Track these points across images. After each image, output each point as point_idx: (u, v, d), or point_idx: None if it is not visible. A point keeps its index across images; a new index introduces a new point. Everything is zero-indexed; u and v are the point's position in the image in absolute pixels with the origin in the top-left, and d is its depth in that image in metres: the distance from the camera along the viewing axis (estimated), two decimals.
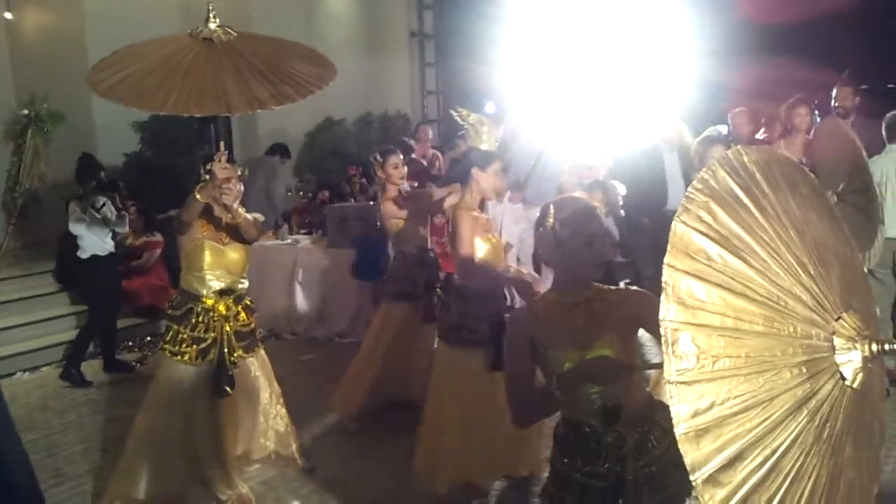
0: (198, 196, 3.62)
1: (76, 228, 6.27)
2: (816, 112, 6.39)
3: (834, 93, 6.44)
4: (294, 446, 4.37)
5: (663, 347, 1.23)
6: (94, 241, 6.31)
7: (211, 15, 3.58)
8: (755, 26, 9.04)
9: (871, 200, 4.08)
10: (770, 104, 6.97)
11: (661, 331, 1.24)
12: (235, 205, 3.80)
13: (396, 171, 4.94)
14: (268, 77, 3.54)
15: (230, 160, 3.78)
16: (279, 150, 8.94)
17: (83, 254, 6.34)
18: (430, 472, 3.96)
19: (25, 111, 8.16)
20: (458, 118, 4.05)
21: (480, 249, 3.83)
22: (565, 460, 2.22)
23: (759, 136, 6.81)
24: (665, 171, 6.14)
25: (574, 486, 2.18)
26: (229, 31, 3.61)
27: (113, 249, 6.47)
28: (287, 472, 4.41)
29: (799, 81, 7.30)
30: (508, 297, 4.80)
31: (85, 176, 6.54)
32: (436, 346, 4.21)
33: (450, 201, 4.34)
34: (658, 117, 6.20)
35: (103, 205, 6.36)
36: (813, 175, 1.69)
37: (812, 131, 5.97)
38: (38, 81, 8.36)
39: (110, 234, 6.39)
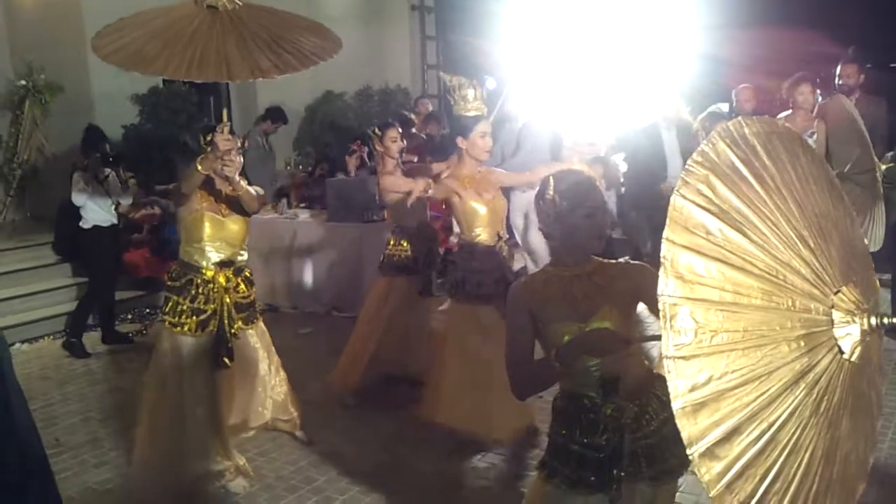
0: (199, 167, 3.62)
1: (79, 199, 6.26)
2: (818, 90, 6.33)
3: (838, 70, 6.39)
4: (296, 416, 4.40)
5: (661, 322, 1.23)
6: (97, 212, 6.32)
7: None
8: None
9: (874, 180, 4.07)
10: (772, 79, 6.92)
11: (660, 305, 1.23)
12: (236, 176, 3.80)
13: (395, 144, 4.91)
14: (271, 46, 3.57)
15: (231, 132, 3.77)
16: (271, 115, 8.72)
17: (85, 224, 6.35)
18: (436, 421, 4.10)
19: (23, 82, 8.10)
20: (446, 82, 4.07)
21: (479, 210, 4.02)
22: (563, 432, 2.22)
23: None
24: (664, 148, 6.12)
25: (572, 457, 2.18)
26: (235, 0, 3.61)
27: (115, 221, 6.47)
28: (284, 443, 4.44)
29: (802, 56, 7.24)
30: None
31: (90, 147, 6.51)
32: (447, 304, 4.33)
33: (437, 167, 4.43)
34: (657, 94, 6.17)
35: (107, 176, 6.34)
36: (822, 153, 1.67)
37: (815, 109, 5.92)
38: (35, 52, 8.30)
39: (113, 206, 6.38)
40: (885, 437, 4.23)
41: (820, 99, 6.07)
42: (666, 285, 1.24)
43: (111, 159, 6.41)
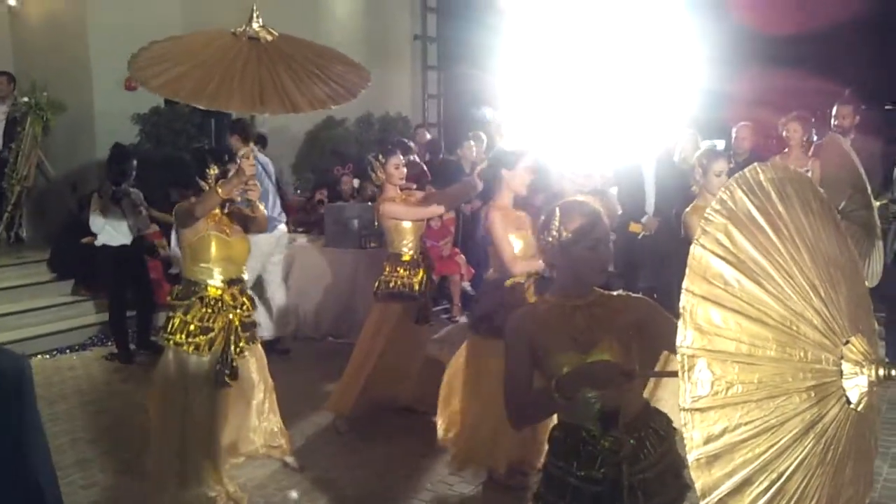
0: (219, 191, 3.68)
1: (95, 223, 6.35)
2: (814, 130, 6.42)
3: (833, 111, 6.48)
4: (285, 444, 4.37)
5: (679, 373, 1.24)
6: (109, 233, 6.37)
7: (255, 15, 3.65)
8: (758, 35, 9.05)
9: (870, 217, 4.11)
10: (771, 115, 7.00)
11: (678, 357, 1.25)
12: (257, 200, 3.95)
13: (397, 171, 4.93)
14: (321, 77, 3.68)
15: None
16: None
17: (97, 243, 6.44)
18: (464, 457, 4.12)
19: (25, 99, 8.12)
20: (486, 116, 4.10)
21: (515, 245, 3.96)
22: (561, 464, 2.22)
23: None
24: (643, 185, 6.18)
25: (568, 490, 2.18)
26: (272, 31, 3.69)
27: (126, 241, 6.49)
28: (275, 470, 4.41)
29: (800, 94, 7.32)
30: None
31: (113, 165, 6.56)
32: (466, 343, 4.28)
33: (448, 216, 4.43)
34: (671, 128, 6.23)
35: (125, 195, 6.39)
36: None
37: (812, 148, 6.00)
38: (39, 70, 8.34)
39: (128, 227, 6.42)
40: (879, 477, 4.23)
41: (816, 139, 6.15)
42: (685, 337, 1.26)
43: (128, 179, 6.46)
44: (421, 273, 4.92)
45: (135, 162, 6.65)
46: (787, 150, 6.16)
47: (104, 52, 8.19)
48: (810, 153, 5.93)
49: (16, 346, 6.58)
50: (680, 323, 1.26)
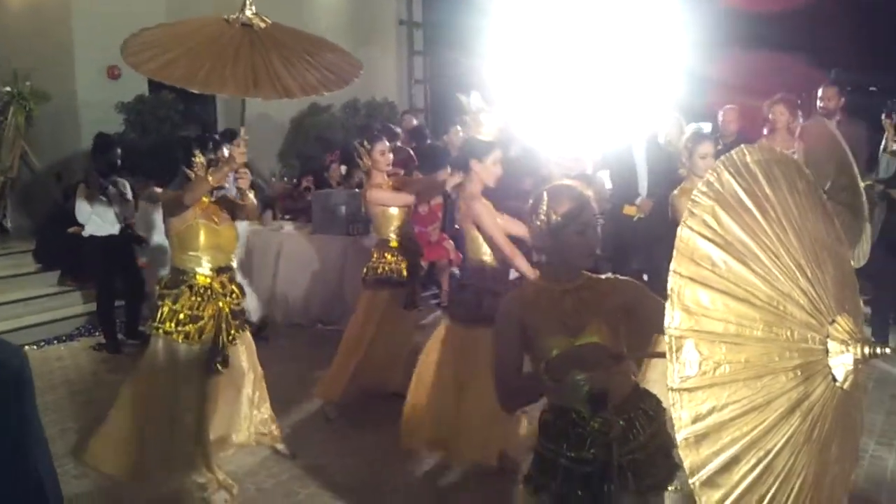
0: (209, 179, 3.69)
1: (82, 212, 6.31)
2: (800, 112, 6.45)
3: (819, 93, 6.51)
4: (276, 431, 4.38)
5: (667, 354, 1.25)
6: (96, 223, 6.34)
7: (248, 2, 3.64)
8: (742, 17, 9.04)
9: (857, 197, 4.14)
10: (757, 98, 7.02)
11: (666, 338, 1.26)
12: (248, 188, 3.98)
13: (383, 157, 4.94)
14: (313, 64, 3.70)
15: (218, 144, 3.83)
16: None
17: (84, 233, 6.41)
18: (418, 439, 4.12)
19: (7, 88, 8.04)
20: (463, 103, 4.04)
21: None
22: (551, 446, 2.24)
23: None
24: (635, 167, 6.21)
25: (559, 471, 2.20)
26: (265, 18, 3.69)
27: (114, 231, 6.45)
28: (266, 457, 4.42)
29: (785, 75, 7.34)
30: None
31: (98, 155, 6.50)
32: (443, 327, 4.21)
33: (451, 182, 4.36)
34: (656, 111, 6.23)
35: (111, 185, 6.34)
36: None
37: (798, 130, 6.02)
38: (21, 59, 8.25)
39: (115, 216, 6.38)
40: (865, 453, 4.29)
41: (801, 121, 6.17)
42: (672, 318, 1.27)
43: (114, 168, 6.41)
44: (408, 258, 4.93)
45: (119, 150, 6.60)
46: (773, 132, 6.18)
47: (87, 40, 8.12)
48: (796, 135, 5.95)
49: (3, 338, 6.56)
50: (668, 304, 1.27)
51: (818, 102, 6.47)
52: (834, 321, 1.43)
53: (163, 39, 3.63)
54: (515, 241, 3.87)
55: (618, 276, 2.36)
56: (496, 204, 3.99)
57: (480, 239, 3.96)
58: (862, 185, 4.20)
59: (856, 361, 1.42)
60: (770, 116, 6.22)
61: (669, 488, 2.23)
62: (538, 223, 2.22)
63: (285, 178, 9.02)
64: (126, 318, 6.76)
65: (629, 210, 6.07)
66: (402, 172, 6.14)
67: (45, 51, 8.33)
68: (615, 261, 6.42)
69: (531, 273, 3.84)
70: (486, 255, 3.97)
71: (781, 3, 8.42)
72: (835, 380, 1.41)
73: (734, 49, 8.68)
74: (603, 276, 2.31)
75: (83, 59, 8.34)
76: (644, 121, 6.28)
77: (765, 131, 6.30)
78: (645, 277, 5.68)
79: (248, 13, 3.62)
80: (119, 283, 6.67)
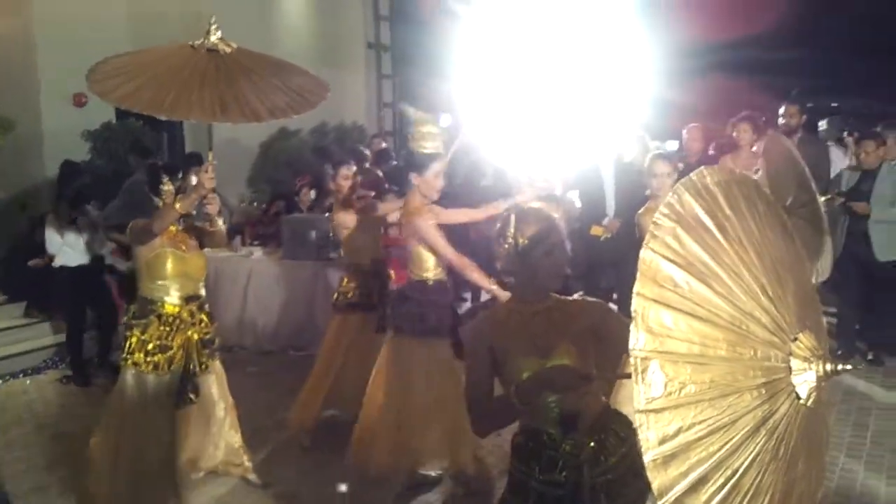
0: (177, 206, 3.66)
1: (52, 243, 6.23)
2: (764, 130, 6.56)
3: (781, 110, 6.64)
4: (247, 462, 4.32)
5: (633, 376, 1.26)
6: (67, 253, 6.26)
7: (212, 27, 3.66)
8: (701, 44, 9.26)
9: (816, 212, 4.22)
10: (720, 119, 7.15)
11: (631, 360, 1.27)
12: (216, 215, 3.95)
13: (346, 182, 4.98)
14: (280, 88, 3.72)
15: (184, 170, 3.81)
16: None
17: (55, 263, 6.32)
18: (368, 457, 4.10)
19: None
20: (408, 115, 4.08)
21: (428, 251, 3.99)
22: (523, 468, 2.24)
23: (711, 151, 6.96)
24: (603, 188, 6.27)
25: (531, 494, 2.19)
26: (230, 43, 3.69)
27: (84, 261, 6.36)
28: (239, 488, 4.35)
29: (748, 98, 7.48)
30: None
31: (64, 184, 6.42)
32: (388, 343, 4.24)
33: (392, 218, 4.40)
34: (623, 133, 6.30)
35: (81, 213, 6.27)
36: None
37: (757, 146, 6.13)
38: None
39: (85, 246, 6.29)
40: (836, 467, 4.32)
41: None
42: (637, 339, 1.28)
43: (82, 196, 6.32)
44: (378, 282, 4.92)
45: (88, 179, 6.53)
46: (737, 150, 6.28)
47: (52, 67, 8.03)
48: (756, 151, 6.06)
49: None
50: (632, 326, 1.28)
51: (780, 119, 6.60)
52: (796, 338, 1.45)
53: (128, 67, 3.62)
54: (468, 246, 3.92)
55: (586, 297, 2.38)
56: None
57: (426, 255, 4.01)
58: (822, 199, 4.28)
59: (818, 378, 1.44)
60: (734, 134, 6.34)
61: None
62: (506, 246, 2.23)
63: (255, 204, 8.97)
64: (98, 348, 6.64)
65: (596, 230, 6.11)
66: (372, 194, 6.14)
67: (8, 78, 8.22)
68: (585, 280, 6.46)
69: (486, 282, 3.89)
70: (430, 271, 4.04)
71: (743, 30, 8.63)
72: (798, 397, 1.43)
73: (697, 75, 8.86)
74: (571, 298, 2.33)
75: (48, 87, 8.25)
76: (611, 141, 6.34)
77: (734, 150, 6.39)
78: (615, 296, 5.72)
79: (214, 38, 3.62)
80: (90, 314, 6.57)
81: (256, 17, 10.10)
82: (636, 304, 1.30)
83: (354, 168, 5.18)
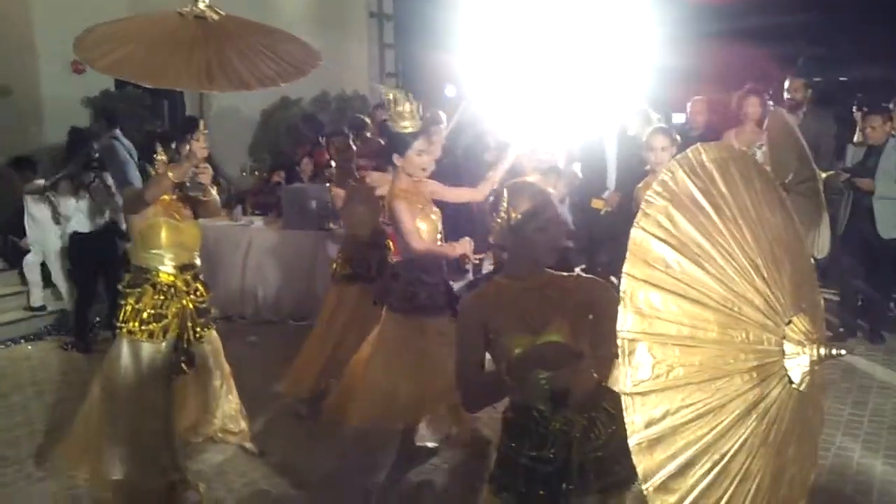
0: (170, 175, 3.62)
1: (66, 206, 6.20)
2: (771, 102, 6.49)
3: (786, 84, 6.55)
4: (244, 428, 4.33)
5: (619, 357, 1.23)
6: (79, 218, 6.29)
7: None
8: (711, 9, 9.11)
9: (814, 189, 4.17)
10: (726, 91, 7.06)
11: (618, 341, 1.24)
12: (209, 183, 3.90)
13: (341, 153, 5.02)
14: (269, 56, 3.66)
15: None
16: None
17: (68, 229, 6.37)
18: (342, 411, 4.06)
19: None
20: (382, 95, 4.03)
21: (421, 227, 3.91)
22: (513, 445, 2.22)
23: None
24: (605, 161, 6.24)
25: (521, 471, 2.18)
26: (218, 11, 3.63)
27: (96, 227, 6.42)
28: (235, 456, 4.38)
29: (755, 66, 7.39)
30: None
31: (74, 150, 6.41)
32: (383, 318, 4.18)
33: (381, 191, 4.37)
34: (625, 104, 6.24)
35: (92, 180, 6.26)
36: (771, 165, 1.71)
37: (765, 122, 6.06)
38: None
39: (97, 212, 6.29)
40: (832, 445, 4.33)
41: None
42: (625, 321, 1.25)
43: (95, 163, 6.32)
44: (377, 253, 4.91)
45: (96, 145, 6.52)
46: (742, 124, 6.22)
47: (50, 34, 7.95)
48: (764, 126, 5.99)
49: None
50: (620, 307, 1.26)
51: (785, 94, 6.52)
52: (790, 322, 1.43)
53: (116, 34, 3.57)
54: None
55: (581, 272, 2.35)
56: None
57: None
58: (822, 176, 4.24)
59: (812, 363, 1.42)
60: (741, 108, 6.26)
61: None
62: (499, 221, 2.20)
63: (256, 173, 8.94)
64: (108, 312, 6.65)
65: (597, 203, 6.08)
66: (374, 164, 6.10)
67: (7, 45, 8.16)
68: (587, 253, 6.44)
69: (452, 251, 3.88)
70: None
71: None
72: (791, 381, 1.41)
73: (704, 42, 8.73)
74: (566, 274, 2.29)
75: (46, 54, 8.19)
76: (614, 114, 6.29)
77: (739, 124, 6.33)
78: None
79: (202, 5, 3.56)
80: (101, 280, 6.59)
81: None
82: (625, 284, 1.27)
83: (350, 138, 5.16)
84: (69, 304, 6.94)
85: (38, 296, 7.04)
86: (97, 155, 6.48)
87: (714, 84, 7.56)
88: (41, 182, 6.70)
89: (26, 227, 6.82)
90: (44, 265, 7.06)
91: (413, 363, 3.89)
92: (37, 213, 6.72)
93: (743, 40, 8.28)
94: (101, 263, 6.52)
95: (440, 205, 4.11)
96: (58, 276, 6.98)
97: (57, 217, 6.64)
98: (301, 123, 9.29)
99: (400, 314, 4.00)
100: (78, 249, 6.45)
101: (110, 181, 6.46)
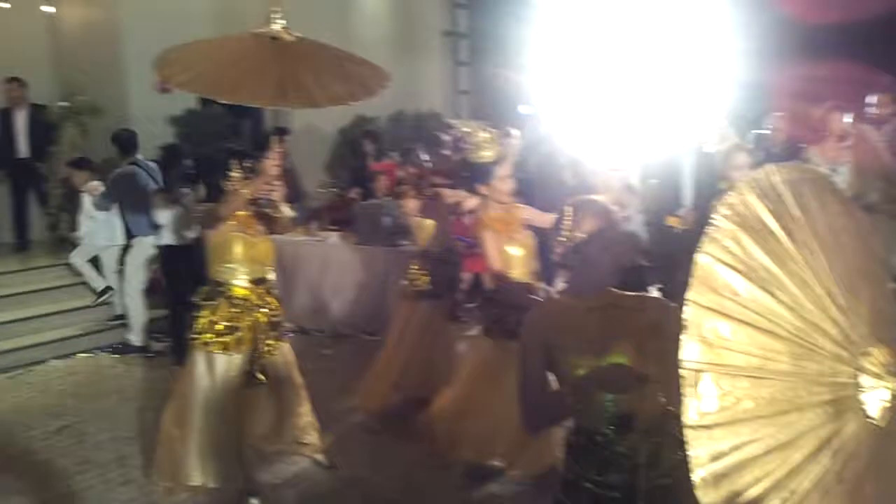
0: (245, 192, 3.74)
1: (161, 217, 6.39)
2: (853, 118, 6.26)
3: (873, 100, 6.31)
4: (316, 440, 4.39)
5: (683, 388, 1.19)
6: (168, 231, 6.46)
7: (276, 16, 3.71)
8: (796, 26, 8.85)
9: None
10: (810, 107, 6.84)
11: (682, 371, 1.20)
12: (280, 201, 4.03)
13: (414, 171, 5.09)
14: (340, 76, 3.81)
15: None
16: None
17: (164, 241, 6.50)
18: (446, 451, 4.13)
19: (65, 103, 8.25)
20: (458, 128, 4.06)
21: (514, 254, 3.97)
22: (577, 469, 2.18)
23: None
24: (681, 178, 6.10)
25: (584, 495, 2.13)
26: (292, 32, 3.76)
27: (188, 241, 6.48)
28: (305, 468, 4.43)
29: (839, 84, 7.13)
30: None
31: (169, 165, 6.64)
32: (473, 339, 4.26)
33: (467, 204, 4.38)
34: (703, 121, 6.12)
35: (185, 195, 6.48)
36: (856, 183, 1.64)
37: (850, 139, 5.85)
38: (76, 75, 8.46)
39: (187, 225, 6.49)
40: None
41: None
42: (688, 350, 1.21)
43: (192, 178, 6.52)
44: (448, 271, 4.92)
45: (189, 162, 6.73)
46: (824, 139, 6.01)
47: (139, 55, 8.26)
48: (849, 144, 5.78)
49: (58, 346, 6.75)
50: (683, 336, 1.21)
51: (870, 109, 6.28)
52: (868, 353, 1.35)
53: (194, 54, 3.76)
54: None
55: (657, 291, 2.29)
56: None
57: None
58: None
59: (893, 396, 1.34)
60: (824, 124, 6.05)
61: None
62: (562, 239, 2.17)
63: (333, 189, 9.09)
64: (171, 323, 6.81)
65: (672, 221, 5.95)
66: (450, 182, 6.14)
67: (98, 66, 8.53)
68: (664, 271, 6.30)
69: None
70: (514, 271, 3.99)
71: (838, 14, 8.20)
72: (868, 416, 1.33)
73: (789, 58, 8.47)
74: (631, 294, 2.22)
75: (135, 74, 8.52)
76: (692, 131, 6.16)
77: (822, 140, 6.13)
78: None
79: (276, 27, 3.68)
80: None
81: (334, 6, 10.19)
82: (688, 312, 1.23)
83: (425, 158, 5.19)
84: (119, 307, 7.13)
85: (97, 281, 7.25)
86: (190, 171, 6.68)
87: (796, 101, 7.32)
88: (97, 183, 6.93)
89: (80, 225, 7.08)
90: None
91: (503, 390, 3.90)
92: (97, 214, 6.96)
93: (828, 58, 8.01)
94: (192, 277, 6.66)
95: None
96: (110, 278, 7.22)
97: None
98: (362, 139, 9.39)
99: (493, 338, 4.05)
100: (167, 261, 6.57)
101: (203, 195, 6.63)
